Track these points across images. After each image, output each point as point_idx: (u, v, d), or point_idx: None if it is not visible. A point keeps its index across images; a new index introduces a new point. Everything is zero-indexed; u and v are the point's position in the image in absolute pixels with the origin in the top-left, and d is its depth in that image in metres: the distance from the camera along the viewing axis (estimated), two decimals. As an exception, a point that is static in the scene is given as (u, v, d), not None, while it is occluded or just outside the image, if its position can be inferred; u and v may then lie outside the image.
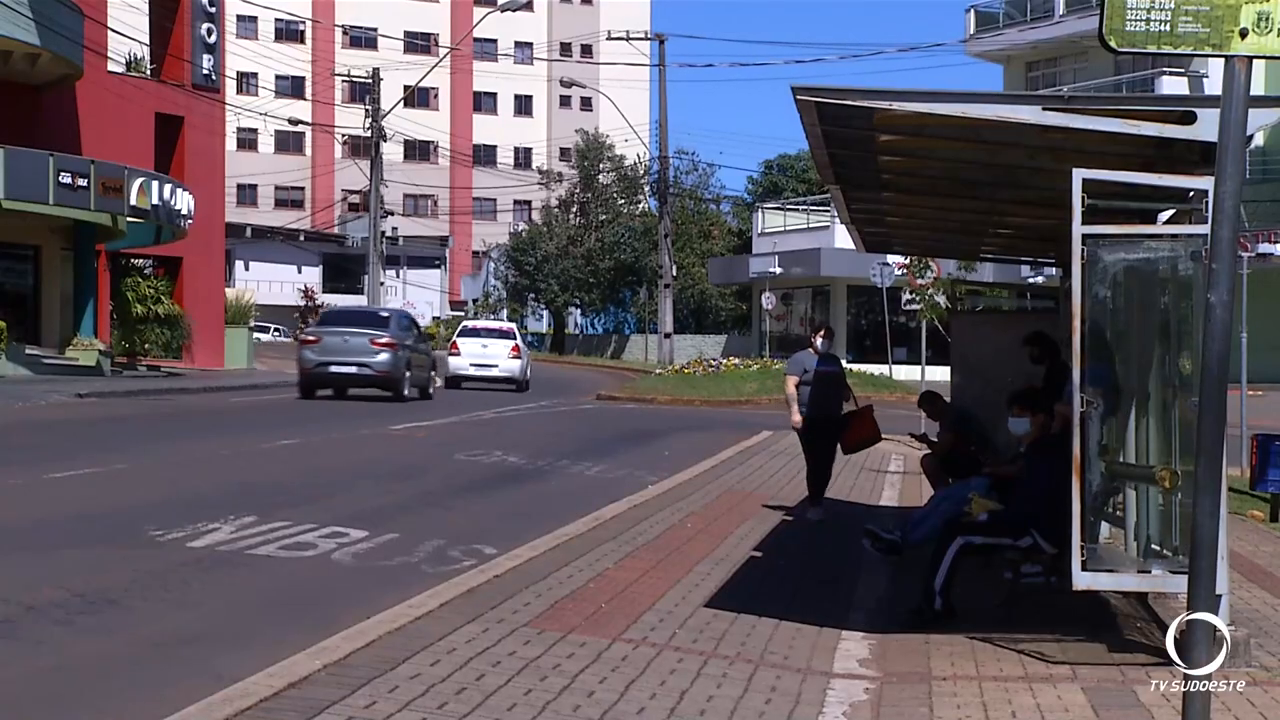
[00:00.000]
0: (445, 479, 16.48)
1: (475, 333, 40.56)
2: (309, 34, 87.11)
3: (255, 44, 79.87)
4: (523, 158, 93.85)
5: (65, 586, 9.22)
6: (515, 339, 40.41)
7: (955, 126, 9.14)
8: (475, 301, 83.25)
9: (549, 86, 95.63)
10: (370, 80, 51.62)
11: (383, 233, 52.85)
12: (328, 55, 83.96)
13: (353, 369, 30.46)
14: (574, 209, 77.12)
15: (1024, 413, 10.30)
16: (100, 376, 34.25)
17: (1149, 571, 8.96)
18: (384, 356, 30.50)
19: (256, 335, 65.47)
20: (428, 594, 8.99)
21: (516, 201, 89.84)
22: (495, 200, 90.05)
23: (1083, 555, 8.38)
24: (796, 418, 15.05)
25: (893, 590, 11.01)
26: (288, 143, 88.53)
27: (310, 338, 31.44)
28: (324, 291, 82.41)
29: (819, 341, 15.40)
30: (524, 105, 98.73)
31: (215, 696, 6.41)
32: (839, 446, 15.40)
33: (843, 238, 40.55)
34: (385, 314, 34.48)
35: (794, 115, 8.83)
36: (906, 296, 39.82)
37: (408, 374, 31.36)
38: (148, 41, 43.39)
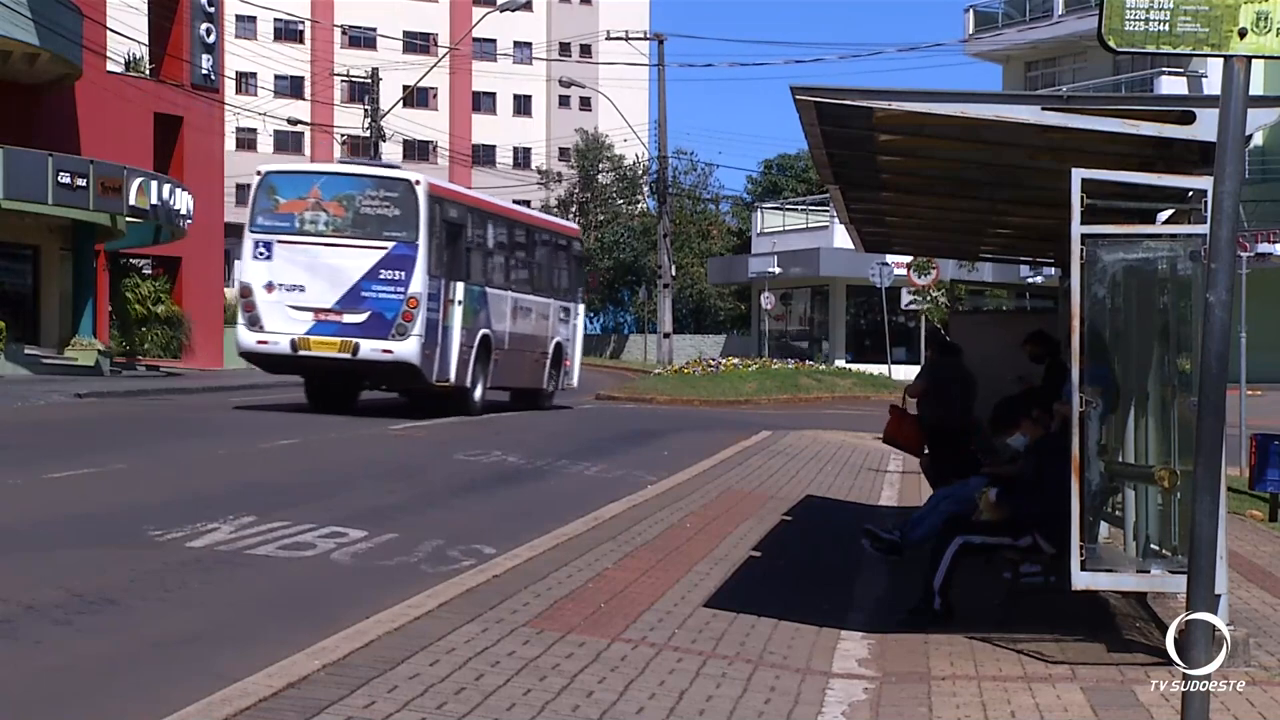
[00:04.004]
0: (444, 479, 16.48)
1: None
2: (308, 34, 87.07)
3: (254, 44, 79.82)
4: (522, 158, 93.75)
5: (65, 586, 9.22)
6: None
7: (954, 126, 9.15)
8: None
9: (548, 86, 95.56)
10: (369, 80, 51.58)
11: (382, 232, 52.94)
12: (327, 55, 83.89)
13: None
14: (573, 209, 77.08)
15: (1013, 428, 10.37)
16: (99, 376, 34.22)
17: (1148, 571, 8.97)
18: None
19: None
20: (427, 594, 8.99)
21: (515, 201, 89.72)
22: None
23: (1082, 555, 8.39)
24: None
25: (892, 590, 11.02)
26: (287, 143, 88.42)
27: None
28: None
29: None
30: (523, 105, 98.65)
31: (215, 696, 6.41)
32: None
33: (842, 237, 40.57)
34: None
35: (793, 115, 8.84)
36: (908, 296, 39.84)
37: None
38: (147, 41, 43.39)
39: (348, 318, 23.54)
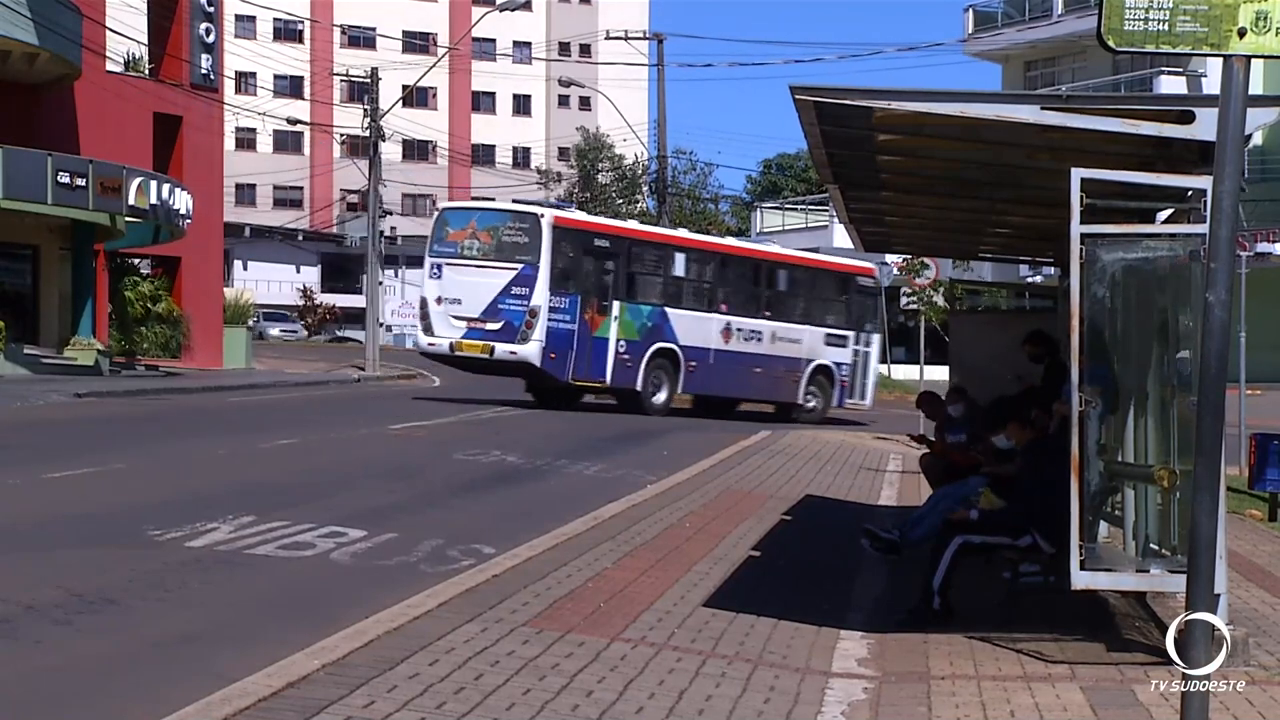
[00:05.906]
0: (444, 479, 16.47)
1: None
2: (307, 34, 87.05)
3: (254, 44, 79.78)
4: (521, 157, 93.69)
5: (64, 586, 9.22)
6: None
7: (954, 126, 9.14)
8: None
9: (548, 86, 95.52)
10: (369, 80, 51.48)
11: (381, 232, 52.73)
12: (326, 55, 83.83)
13: None
14: (572, 208, 76.98)
15: (1007, 429, 10.40)
16: (99, 376, 34.19)
17: (1147, 571, 8.97)
18: None
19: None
20: (426, 594, 8.99)
21: (515, 201, 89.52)
22: (494, 200, 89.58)
23: (1081, 555, 8.39)
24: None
25: (891, 590, 11.02)
26: (286, 142, 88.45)
27: None
28: (322, 291, 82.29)
29: None
30: (522, 105, 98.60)
31: (214, 696, 6.41)
32: None
33: (841, 237, 40.52)
34: None
35: (793, 115, 8.84)
36: (907, 297, 39.85)
37: None
38: (146, 41, 43.33)
39: (489, 325, 29.14)
